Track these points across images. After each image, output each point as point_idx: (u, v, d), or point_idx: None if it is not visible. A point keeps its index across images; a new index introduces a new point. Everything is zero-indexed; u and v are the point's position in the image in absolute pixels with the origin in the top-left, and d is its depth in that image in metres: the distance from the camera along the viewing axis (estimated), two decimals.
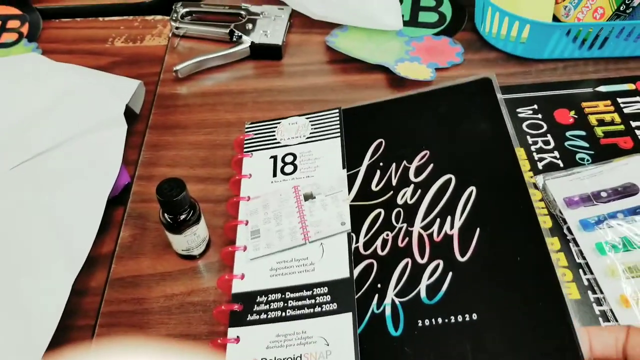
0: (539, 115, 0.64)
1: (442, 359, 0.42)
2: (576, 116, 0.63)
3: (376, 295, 0.47)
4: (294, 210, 0.54)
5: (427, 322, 0.44)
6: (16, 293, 0.49)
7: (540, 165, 0.59)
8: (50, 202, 0.55)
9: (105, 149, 0.58)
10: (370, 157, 0.56)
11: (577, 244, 0.52)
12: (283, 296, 0.48)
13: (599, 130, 0.62)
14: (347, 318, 0.46)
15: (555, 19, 0.75)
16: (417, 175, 0.53)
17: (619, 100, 0.65)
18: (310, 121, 0.61)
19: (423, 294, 0.45)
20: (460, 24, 0.77)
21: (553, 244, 0.53)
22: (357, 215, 0.52)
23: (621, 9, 0.68)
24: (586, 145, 0.61)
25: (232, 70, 0.73)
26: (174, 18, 0.75)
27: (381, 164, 0.55)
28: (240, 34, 0.73)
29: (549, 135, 0.62)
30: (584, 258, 0.51)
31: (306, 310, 0.47)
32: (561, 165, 0.59)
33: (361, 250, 0.50)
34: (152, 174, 0.62)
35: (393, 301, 0.46)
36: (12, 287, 0.50)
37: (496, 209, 0.48)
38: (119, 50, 0.76)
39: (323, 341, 0.45)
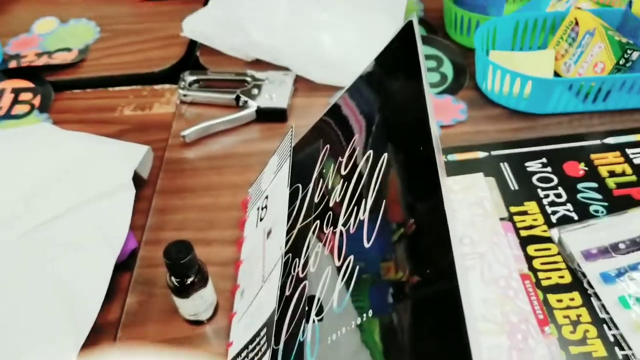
0: (549, 169, 0.63)
1: None
2: (586, 168, 0.63)
3: (303, 320, 0.42)
4: (260, 254, 0.52)
5: (334, 336, 0.38)
6: None
7: (554, 218, 0.58)
8: (57, 271, 0.54)
9: (113, 215, 0.58)
10: (317, 168, 0.53)
11: (599, 298, 0.50)
12: (247, 354, 0.46)
13: (610, 182, 0.61)
14: None
15: (556, 74, 0.76)
16: (346, 167, 0.47)
17: (628, 151, 0.64)
18: (278, 154, 0.60)
19: (335, 303, 0.39)
20: (462, 82, 0.78)
21: (574, 299, 0.51)
22: (302, 236, 0.49)
23: (621, 62, 0.69)
24: (599, 197, 0.60)
25: (239, 134, 0.73)
26: (181, 86, 0.77)
27: (324, 170, 0.52)
28: (246, 99, 0.74)
29: (560, 188, 0.61)
30: (607, 313, 0.49)
31: None
32: (575, 218, 0.58)
33: (300, 273, 0.46)
34: (159, 238, 0.61)
35: (313, 322, 0.41)
36: (18, 354, 0.48)
37: (402, 176, 0.40)
38: (128, 119, 0.77)
39: None
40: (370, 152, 0.44)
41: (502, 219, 0.58)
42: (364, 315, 0.36)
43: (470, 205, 0.59)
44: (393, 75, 0.48)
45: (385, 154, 0.42)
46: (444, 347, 0.29)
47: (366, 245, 0.39)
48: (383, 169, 0.42)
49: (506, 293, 0.52)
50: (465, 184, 0.61)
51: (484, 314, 0.50)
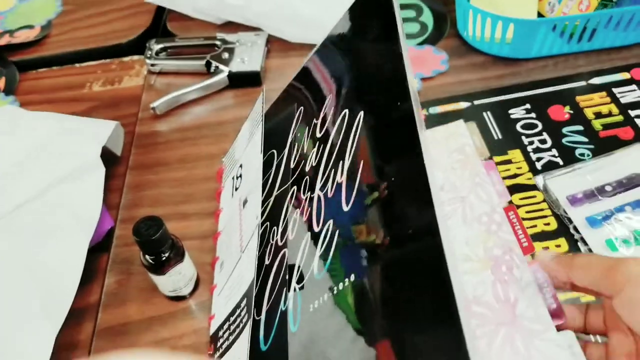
0: (533, 114, 0.61)
1: (333, 339, 0.34)
2: (572, 111, 0.61)
3: (284, 289, 0.41)
4: (237, 225, 0.50)
5: (316, 303, 0.37)
6: None
7: (538, 165, 0.56)
8: (31, 256, 0.52)
9: (84, 196, 0.56)
10: (292, 133, 0.50)
11: (585, 243, 0.48)
12: (228, 327, 0.45)
13: (597, 123, 0.59)
14: (244, 338, 0.41)
15: (540, 16, 0.73)
16: (321, 129, 0.45)
17: (615, 90, 0.62)
18: (250, 121, 0.57)
19: (315, 270, 0.38)
20: (443, 31, 0.75)
21: (560, 245, 0.49)
22: (279, 203, 0.47)
23: None
24: (585, 140, 0.57)
25: (212, 102, 0.71)
26: (148, 55, 0.74)
27: (298, 134, 0.49)
28: (217, 64, 0.71)
29: (544, 133, 0.59)
30: None
31: (233, 336, 0.43)
32: (561, 163, 0.56)
33: (279, 241, 0.44)
34: (134, 215, 0.59)
35: (294, 290, 0.40)
36: None
37: (379, 134, 0.38)
38: (97, 95, 0.74)
39: None
40: (346, 111, 0.42)
41: (485, 159, 0.56)
42: (347, 279, 0.35)
43: (451, 152, 0.57)
44: (366, 28, 0.45)
45: (362, 112, 0.40)
46: (429, 309, 0.28)
47: (345, 208, 0.38)
48: (360, 128, 0.39)
49: (489, 228, 0.50)
50: (446, 133, 0.59)
51: (467, 253, 0.49)
